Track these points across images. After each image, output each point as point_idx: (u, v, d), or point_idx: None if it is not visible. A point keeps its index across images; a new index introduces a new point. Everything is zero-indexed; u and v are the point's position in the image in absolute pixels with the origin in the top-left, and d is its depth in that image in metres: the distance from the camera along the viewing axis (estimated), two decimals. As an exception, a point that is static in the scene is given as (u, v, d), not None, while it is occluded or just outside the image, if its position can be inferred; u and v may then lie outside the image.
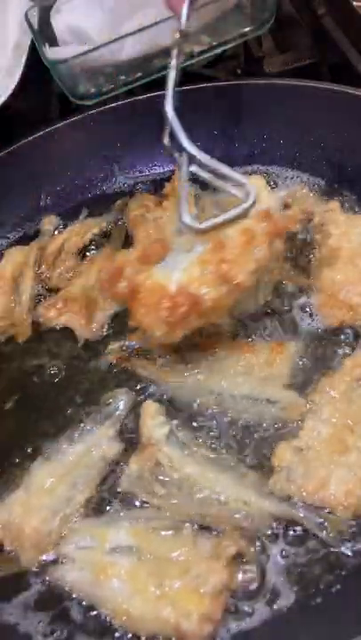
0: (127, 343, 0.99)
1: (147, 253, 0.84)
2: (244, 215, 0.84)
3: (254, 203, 0.84)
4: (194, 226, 0.84)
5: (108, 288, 0.85)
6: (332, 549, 0.76)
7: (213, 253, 0.81)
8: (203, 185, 1.15)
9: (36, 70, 1.13)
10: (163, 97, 1.14)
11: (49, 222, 1.19)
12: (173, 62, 0.89)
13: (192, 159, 0.88)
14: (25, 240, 1.19)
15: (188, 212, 0.86)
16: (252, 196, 0.84)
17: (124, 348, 0.99)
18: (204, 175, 0.89)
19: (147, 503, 0.82)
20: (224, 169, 0.88)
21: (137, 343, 0.98)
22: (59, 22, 1.09)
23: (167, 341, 0.85)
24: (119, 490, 0.84)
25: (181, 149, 0.88)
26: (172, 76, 0.89)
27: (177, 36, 0.88)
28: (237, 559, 0.75)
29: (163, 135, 0.90)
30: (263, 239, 0.83)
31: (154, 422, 0.86)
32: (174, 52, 0.89)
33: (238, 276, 0.80)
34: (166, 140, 0.90)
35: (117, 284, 0.83)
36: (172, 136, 0.89)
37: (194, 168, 0.89)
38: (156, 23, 0.99)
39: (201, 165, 0.88)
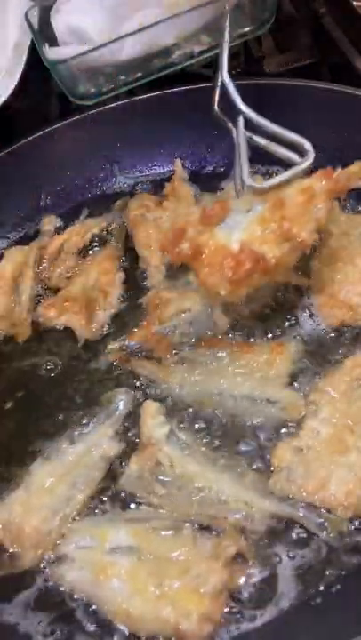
0: (127, 343, 0.99)
1: (208, 214, 0.83)
2: (302, 173, 0.84)
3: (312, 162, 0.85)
4: (255, 185, 0.85)
5: (170, 250, 0.85)
6: (332, 549, 0.76)
7: (273, 212, 0.81)
8: (203, 185, 1.17)
9: (36, 70, 1.13)
10: (163, 97, 1.16)
11: (49, 222, 1.19)
12: (227, 33, 0.96)
13: (247, 122, 0.90)
14: (25, 240, 1.19)
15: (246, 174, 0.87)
16: (311, 154, 0.85)
17: (124, 347, 0.99)
18: (259, 140, 0.89)
19: (147, 503, 0.82)
20: (280, 130, 0.88)
21: (137, 343, 0.98)
22: (59, 22, 1.09)
23: (231, 300, 0.86)
24: (119, 490, 0.84)
25: (235, 115, 0.91)
26: (225, 46, 0.96)
27: (227, 7, 0.97)
28: (237, 559, 0.75)
29: (212, 103, 0.96)
30: (323, 198, 0.82)
31: (154, 422, 0.86)
32: (226, 24, 0.96)
33: (301, 234, 0.80)
34: (216, 108, 0.94)
35: (180, 246, 0.83)
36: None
37: (248, 134, 0.90)
38: (156, 23, 0.99)
39: (255, 130, 0.90)
